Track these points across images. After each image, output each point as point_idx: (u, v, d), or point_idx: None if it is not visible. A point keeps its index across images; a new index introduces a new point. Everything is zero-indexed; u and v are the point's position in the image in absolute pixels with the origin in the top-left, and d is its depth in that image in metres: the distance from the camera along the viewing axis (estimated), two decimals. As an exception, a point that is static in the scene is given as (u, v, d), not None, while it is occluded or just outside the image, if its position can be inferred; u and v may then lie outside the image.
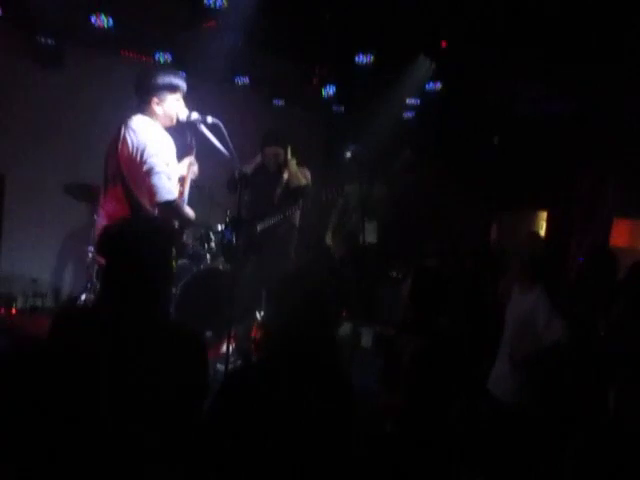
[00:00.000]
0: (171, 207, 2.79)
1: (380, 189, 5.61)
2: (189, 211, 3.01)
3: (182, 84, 2.95)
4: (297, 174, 4.17)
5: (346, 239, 5.52)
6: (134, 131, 2.79)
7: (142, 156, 2.74)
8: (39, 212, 5.00)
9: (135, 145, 2.75)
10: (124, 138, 2.79)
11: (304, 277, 1.85)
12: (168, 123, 2.94)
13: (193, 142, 3.21)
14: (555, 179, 6.11)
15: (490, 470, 2.72)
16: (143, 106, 2.88)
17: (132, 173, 2.77)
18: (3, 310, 4.64)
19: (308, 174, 4.28)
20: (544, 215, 6.84)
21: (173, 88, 2.91)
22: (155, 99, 2.87)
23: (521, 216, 7.04)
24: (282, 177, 4.15)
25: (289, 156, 4.22)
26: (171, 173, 2.83)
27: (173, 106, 2.92)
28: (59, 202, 4.92)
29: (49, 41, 4.85)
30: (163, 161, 2.77)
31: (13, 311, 4.72)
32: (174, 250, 1.82)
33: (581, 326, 2.90)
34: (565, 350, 2.77)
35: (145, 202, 2.77)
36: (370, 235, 5.55)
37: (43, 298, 5.00)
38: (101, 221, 2.91)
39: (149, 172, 2.72)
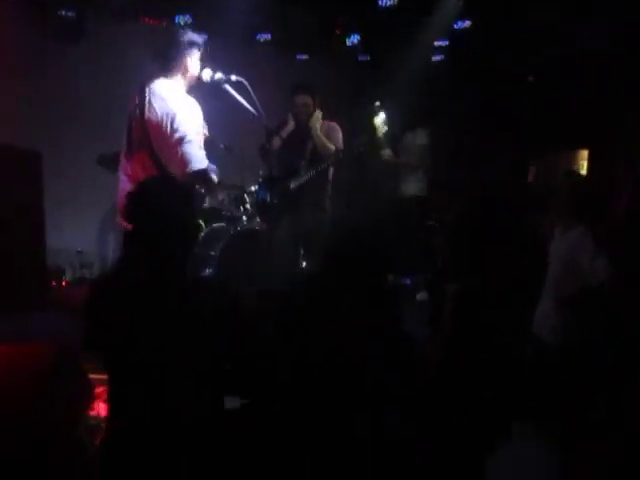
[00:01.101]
0: (201, 175, 2.80)
1: (422, 136, 5.46)
2: (214, 176, 3.00)
3: (201, 41, 2.91)
4: (324, 137, 4.08)
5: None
6: (162, 98, 2.78)
7: (172, 124, 2.73)
8: (75, 186, 5.10)
9: (165, 113, 2.75)
10: (150, 104, 2.78)
11: (361, 228, 1.86)
12: (193, 83, 2.92)
13: None
14: (595, 116, 5.86)
15: (537, 412, 2.71)
16: (167, 68, 2.85)
17: (160, 141, 2.77)
18: (54, 283, 4.81)
19: (338, 130, 4.20)
20: (585, 154, 6.60)
21: (195, 45, 2.87)
22: (179, 59, 2.84)
23: (561, 156, 6.81)
24: (311, 131, 4.09)
25: (317, 108, 4.14)
26: (201, 141, 2.83)
27: (196, 65, 2.89)
28: (93, 173, 5.00)
29: (69, 14, 4.84)
30: (194, 129, 2.76)
31: (63, 283, 4.89)
32: (196, 212, 1.85)
33: (627, 265, 2.82)
34: (610, 289, 2.70)
35: (174, 169, 2.78)
36: (415, 185, 5.43)
37: (90, 269, 5.16)
38: (124, 186, 2.89)
39: (180, 141, 2.72)
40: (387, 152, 5.17)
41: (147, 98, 2.80)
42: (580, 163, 6.68)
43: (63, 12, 4.82)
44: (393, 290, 1.97)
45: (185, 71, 2.85)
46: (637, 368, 2.59)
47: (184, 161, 2.73)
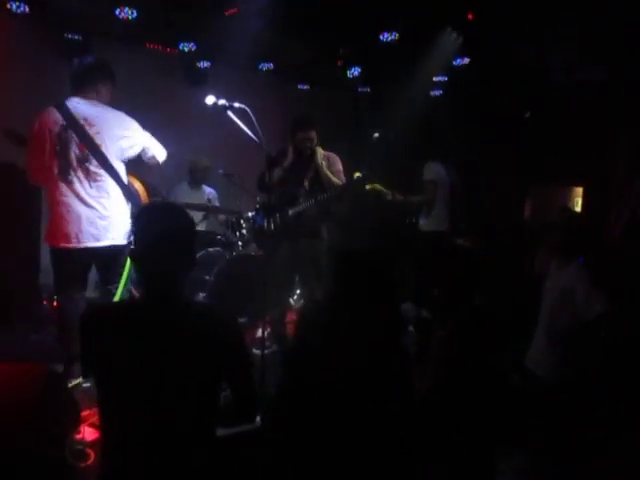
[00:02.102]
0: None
1: (428, 171, 5.36)
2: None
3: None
4: (329, 172, 4.12)
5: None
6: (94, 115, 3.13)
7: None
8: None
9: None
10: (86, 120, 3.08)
11: (370, 253, 1.86)
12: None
13: None
14: (590, 153, 5.95)
15: (528, 448, 2.68)
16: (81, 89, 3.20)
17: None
18: (46, 302, 4.77)
19: (339, 162, 4.23)
20: (579, 191, 6.69)
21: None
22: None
23: (555, 192, 6.89)
24: (313, 161, 4.13)
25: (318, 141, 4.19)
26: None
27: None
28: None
29: (76, 36, 4.93)
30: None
31: (55, 304, 4.85)
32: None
33: (622, 299, 2.83)
34: (606, 323, 2.70)
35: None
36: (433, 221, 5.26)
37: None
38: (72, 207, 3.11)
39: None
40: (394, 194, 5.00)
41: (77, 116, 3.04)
42: (575, 200, 6.76)
43: (69, 35, 4.90)
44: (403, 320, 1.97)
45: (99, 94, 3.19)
46: (633, 405, 2.58)
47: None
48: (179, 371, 1.58)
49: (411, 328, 4.84)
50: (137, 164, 3.40)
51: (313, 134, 4.06)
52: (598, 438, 2.43)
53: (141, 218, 1.78)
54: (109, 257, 3.15)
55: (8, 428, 2.03)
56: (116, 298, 3.14)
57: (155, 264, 1.66)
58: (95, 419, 2.68)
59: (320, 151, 4.15)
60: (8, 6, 4.52)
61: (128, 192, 3.20)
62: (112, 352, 1.59)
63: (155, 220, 1.72)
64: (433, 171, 4.95)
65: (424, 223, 5.10)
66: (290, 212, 4.09)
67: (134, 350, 1.58)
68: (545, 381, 2.88)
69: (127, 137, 3.19)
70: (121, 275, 3.16)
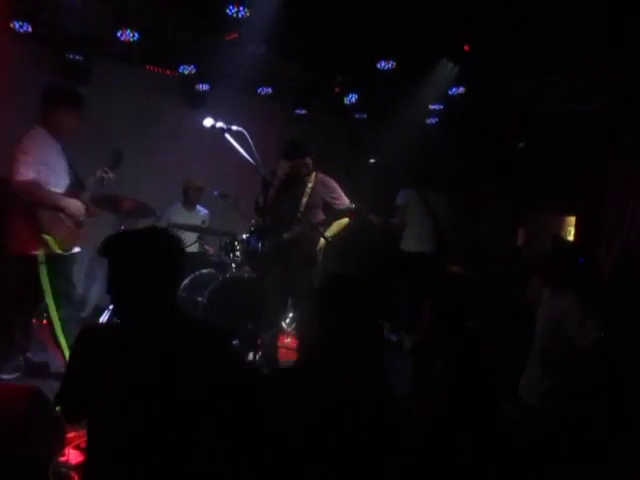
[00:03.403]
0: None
1: (402, 196, 5.52)
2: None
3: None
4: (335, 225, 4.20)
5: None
6: None
7: None
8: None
9: None
10: None
11: (353, 280, 1.81)
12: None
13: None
14: (583, 182, 6.01)
15: (522, 476, 2.66)
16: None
17: None
18: (35, 320, 4.71)
19: (334, 184, 4.26)
20: (572, 220, 6.74)
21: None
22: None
23: (549, 220, 6.95)
24: (306, 187, 4.15)
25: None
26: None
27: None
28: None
29: (77, 57, 4.98)
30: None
31: (44, 322, 4.79)
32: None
33: (615, 326, 2.83)
34: (599, 351, 2.70)
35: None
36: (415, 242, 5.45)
37: (81, 309, 5.08)
38: None
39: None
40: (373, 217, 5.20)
41: None
42: (567, 229, 6.81)
43: (71, 55, 4.95)
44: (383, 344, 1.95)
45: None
46: (631, 433, 2.56)
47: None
48: (179, 390, 1.55)
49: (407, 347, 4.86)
50: (136, 184, 3.43)
51: (307, 160, 4.08)
52: (592, 465, 2.41)
53: (116, 250, 1.71)
54: None
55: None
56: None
57: (136, 295, 1.64)
58: (80, 441, 2.63)
59: (315, 175, 4.18)
60: (12, 25, 4.58)
61: None
62: (109, 374, 1.55)
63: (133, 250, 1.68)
64: (404, 196, 5.33)
65: (402, 244, 5.43)
66: (285, 236, 4.09)
67: (131, 371, 1.55)
68: (538, 409, 2.87)
69: None
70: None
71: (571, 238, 6.52)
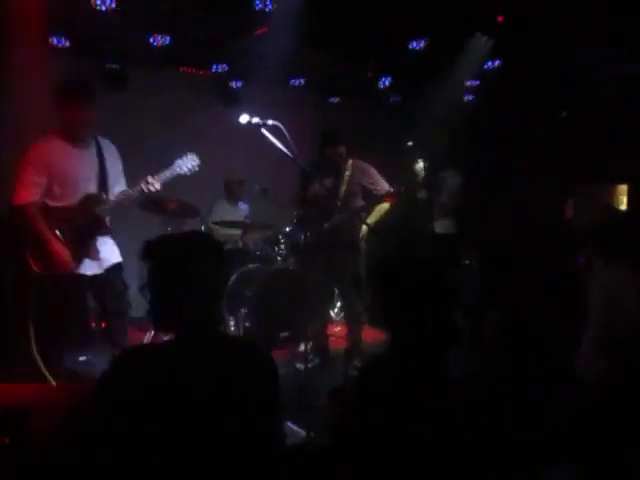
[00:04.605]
0: None
1: (455, 177, 5.49)
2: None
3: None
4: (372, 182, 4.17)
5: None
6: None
7: None
8: (120, 228, 5.25)
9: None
10: None
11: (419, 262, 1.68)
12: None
13: None
14: (633, 150, 5.76)
15: (578, 458, 2.59)
16: None
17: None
18: (94, 324, 4.90)
19: (371, 170, 4.24)
20: (624, 189, 6.47)
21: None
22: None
23: (599, 191, 6.69)
24: (345, 174, 4.15)
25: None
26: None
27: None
28: (137, 216, 5.13)
29: (114, 66, 5.12)
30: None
31: (103, 325, 4.97)
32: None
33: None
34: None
35: None
36: (445, 224, 5.46)
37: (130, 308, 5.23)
38: None
39: None
40: (423, 193, 5.22)
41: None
42: (619, 198, 6.54)
43: (108, 65, 5.10)
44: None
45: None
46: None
47: None
48: (219, 415, 1.42)
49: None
50: (176, 184, 3.48)
51: (342, 149, 4.08)
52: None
53: (156, 252, 1.57)
54: None
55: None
56: None
57: (181, 302, 1.50)
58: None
59: (352, 163, 4.17)
60: (51, 41, 4.74)
61: None
62: (142, 406, 1.39)
63: (172, 252, 1.55)
64: (457, 177, 5.43)
65: (437, 226, 5.51)
66: (326, 226, 4.10)
67: (163, 401, 1.40)
68: (595, 387, 2.79)
69: None
70: None
71: (623, 207, 6.26)
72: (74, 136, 3.17)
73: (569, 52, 5.45)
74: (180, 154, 3.36)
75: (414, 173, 4.63)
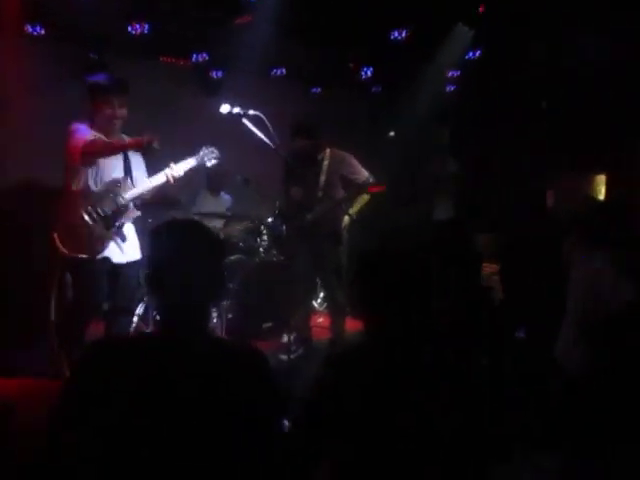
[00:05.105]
0: None
1: (453, 166, 5.50)
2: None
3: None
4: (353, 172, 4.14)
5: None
6: None
7: None
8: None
9: None
10: None
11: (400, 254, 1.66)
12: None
13: None
14: (610, 141, 5.83)
15: (561, 445, 2.64)
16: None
17: None
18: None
19: (353, 158, 4.22)
20: (602, 179, 6.56)
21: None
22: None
23: (578, 181, 6.78)
24: (322, 165, 4.13)
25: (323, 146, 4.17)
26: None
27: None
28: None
29: (92, 55, 5.02)
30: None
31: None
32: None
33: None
34: (635, 314, 2.65)
35: None
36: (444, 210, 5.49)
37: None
38: None
39: None
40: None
41: None
42: (598, 188, 6.64)
43: (86, 53, 5.00)
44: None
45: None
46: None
47: None
48: (199, 419, 1.34)
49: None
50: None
51: (306, 142, 4.05)
52: (632, 434, 2.37)
53: (160, 237, 1.50)
54: None
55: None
56: None
57: (180, 294, 1.43)
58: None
59: (329, 152, 4.16)
60: (26, 29, 4.64)
61: None
62: (116, 397, 1.31)
63: (178, 239, 1.47)
64: (455, 164, 5.55)
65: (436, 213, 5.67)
66: (308, 217, 4.09)
67: (143, 395, 1.33)
68: (574, 373, 2.83)
69: None
70: None
71: (602, 197, 6.36)
72: (107, 129, 3.25)
73: (549, 42, 5.49)
74: (203, 145, 3.41)
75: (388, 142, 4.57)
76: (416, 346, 1.59)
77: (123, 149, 3.25)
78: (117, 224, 3.24)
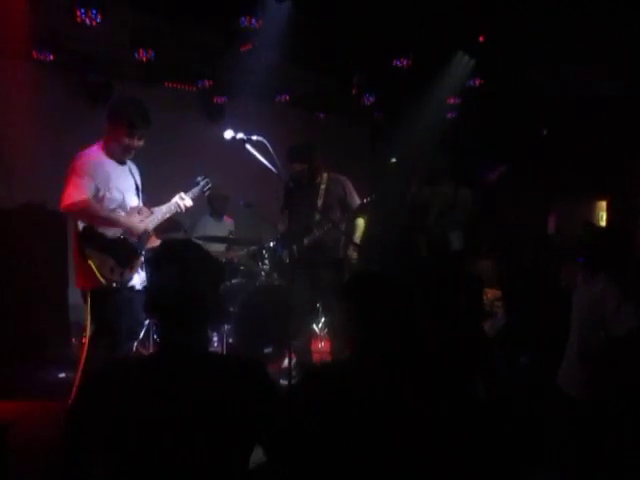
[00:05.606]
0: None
1: (465, 193, 5.45)
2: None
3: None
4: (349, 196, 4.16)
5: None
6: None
7: None
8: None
9: None
10: None
11: (383, 278, 1.72)
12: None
13: None
14: (611, 166, 5.88)
15: (562, 468, 2.60)
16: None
17: None
18: (74, 340, 4.82)
19: (346, 183, 4.25)
20: (603, 205, 6.59)
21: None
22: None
23: (579, 206, 6.81)
24: (319, 189, 4.16)
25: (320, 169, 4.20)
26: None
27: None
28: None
29: (98, 79, 5.11)
30: None
31: (83, 340, 4.89)
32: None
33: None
34: (636, 339, 2.63)
35: None
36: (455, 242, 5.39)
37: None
38: None
39: None
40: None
41: None
42: (599, 214, 6.66)
43: (92, 77, 5.08)
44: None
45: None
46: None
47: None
48: (203, 434, 1.38)
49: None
50: (160, 199, 3.46)
51: (302, 166, 4.07)
52: (630, 457, 2.34)
53: (158, 259, 1.53)
54: None
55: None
56: None
57: (177, 314, 1.45)
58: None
59: (327, 176, 4.18)
60: (34, 55, 4.72)
61: None
62: (124, 417, 1.36)
63: (175, 261, 1.48)
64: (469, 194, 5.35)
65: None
66: (305, 241, 4.10)
67: (150, 413, 1.36)
68: (576, 399, 2.81)
69: None
70: None
71: (603, 223, 6.37)
72: (119, 156, 3.18)
73: (550, 70, 5.57)
74: (200, 175, 3.44)
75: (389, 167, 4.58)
76: (395, 366, 1.60)
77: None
78: (143, 252, 3.19)
